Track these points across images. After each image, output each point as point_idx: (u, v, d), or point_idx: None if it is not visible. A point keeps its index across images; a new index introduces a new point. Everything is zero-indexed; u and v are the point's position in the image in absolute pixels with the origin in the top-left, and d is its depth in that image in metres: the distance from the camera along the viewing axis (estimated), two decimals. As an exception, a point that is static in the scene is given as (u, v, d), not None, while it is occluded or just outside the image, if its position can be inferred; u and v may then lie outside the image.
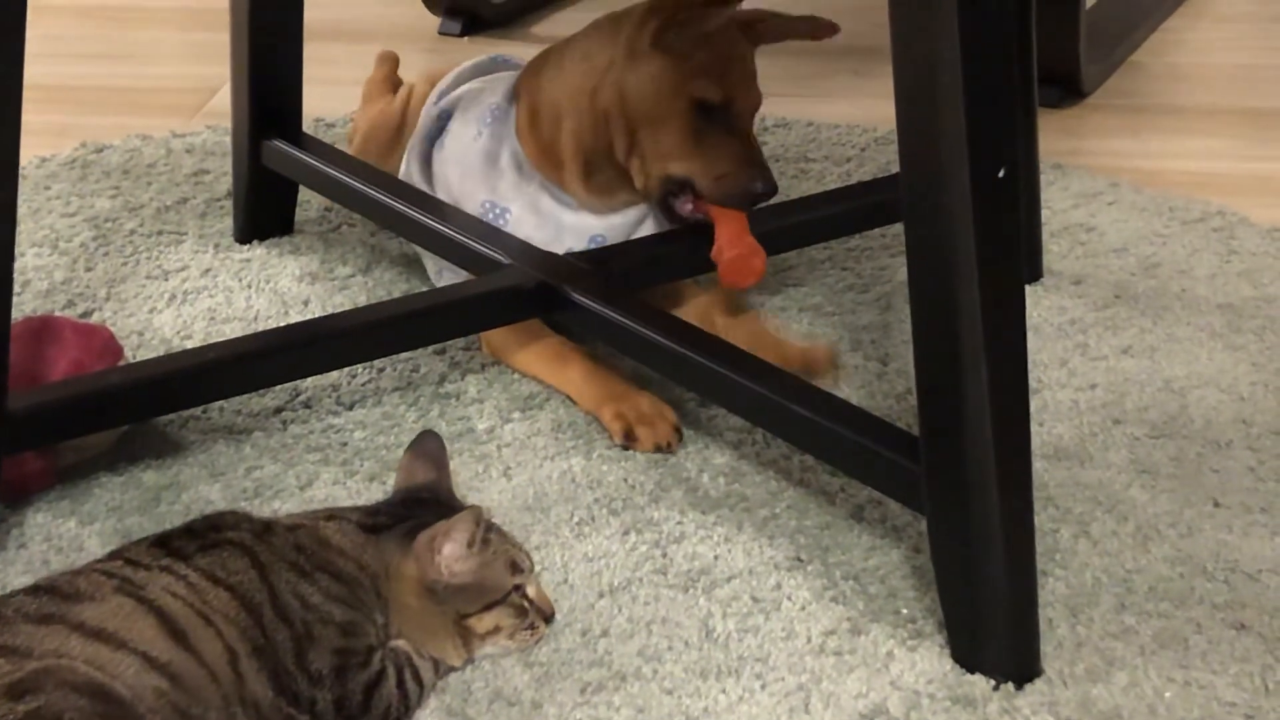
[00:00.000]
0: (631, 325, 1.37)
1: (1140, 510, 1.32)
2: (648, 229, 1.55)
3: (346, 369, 1.52)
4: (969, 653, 1.15)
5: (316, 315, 1.63)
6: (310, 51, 1.75)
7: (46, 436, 1.31)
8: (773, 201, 1.52)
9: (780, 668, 1.15)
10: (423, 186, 1.64)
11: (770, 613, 1.21)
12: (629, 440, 1.41)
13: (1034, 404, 1.43)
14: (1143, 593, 1.22)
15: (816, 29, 1.51)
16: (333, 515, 1.17)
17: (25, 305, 1.65)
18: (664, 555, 1.27)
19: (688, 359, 1.33)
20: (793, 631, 1.19)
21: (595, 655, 1.17)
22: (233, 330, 1.61)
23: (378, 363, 1.54)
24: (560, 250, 1.51)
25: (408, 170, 1.66)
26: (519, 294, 1.45)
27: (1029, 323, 1.52)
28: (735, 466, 1.39)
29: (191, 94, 2.26)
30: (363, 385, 1.52)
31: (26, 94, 1.17)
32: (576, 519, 1.32)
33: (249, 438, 1.44)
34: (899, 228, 1.17)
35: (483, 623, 1.14)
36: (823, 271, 1.72)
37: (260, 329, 1.61)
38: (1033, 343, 1.54)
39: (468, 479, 1.37)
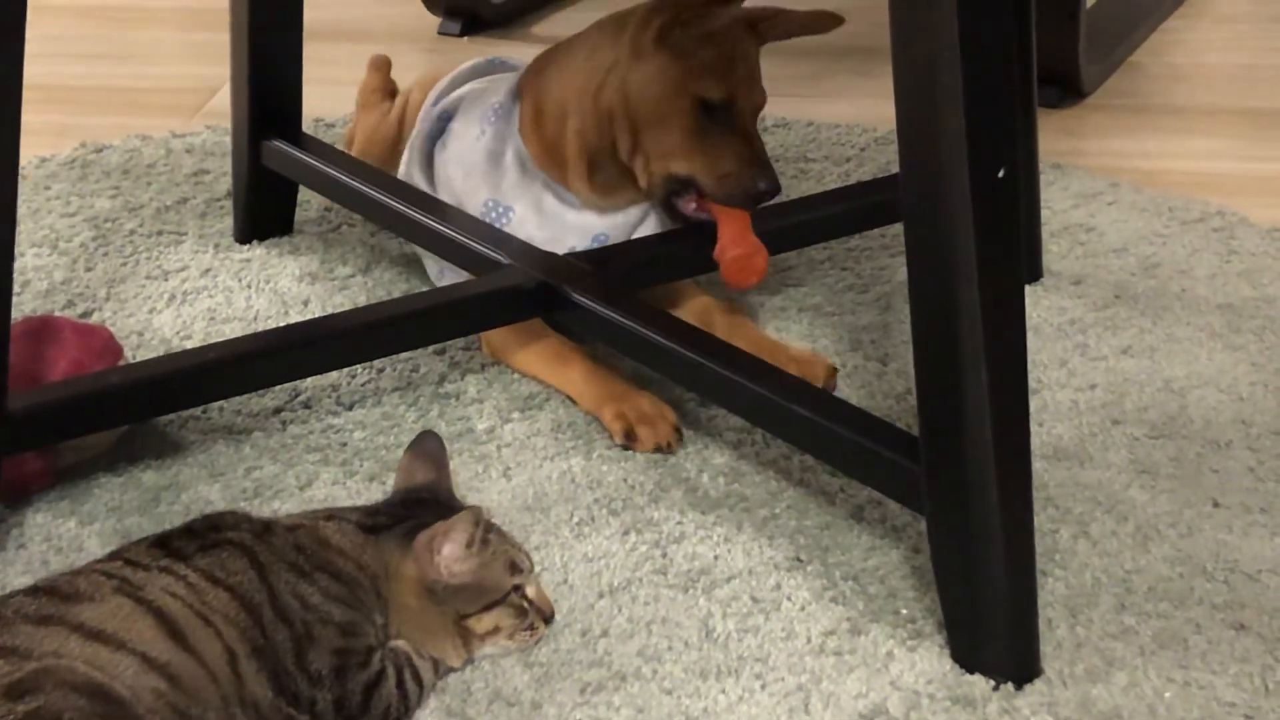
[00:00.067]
0: (631, 325, 1.37)
1: (1140, 510, 1.32)
2: (650, 226, 1.55)
3: (346, 369, 1.52)
4: (969, 653, 1.15)
5: (316, 315, 1.63)
6: (310, 51, 1.75)
7: (46, 436, 1.31)
8: (773, 201, 1.52)
9: (780, 668, 1.15)
10: (424, 187, 1.63)
11: (770, 613, 1.21)
12: (629, 440, 1.41)
13: (1034, 404, 1.43)
14: (1142, 593, 1.22)
15: (822, 22, 1.51)
16: (332, 515, 1.17)
17: (25, 305, 1.65)
18: (664, 555, 1.27)
19: (688, 359, 1.33)
20: (792, 632, 1.19)
21: (595, 655, 1.17)
22: (233, 330, 1.61)
23: (378, 363, 1.54)
24: (564, 249, 1.51)
25: (408, 171, 1.66)
26: (519, 294, 1.45)
27: (1029, 323, 1.52)
28: (735, 466, 1.39)
29: (191, 94, 2.26)
30: (362, 385, 1.52)
31: (26, 94, 1.17)
32: (576, 519, 1.32)
33: (249, 438, 1.44)
34: (899, 228, 1.17)
35: (482, 623, 1.14)
36: (823, 271, 1.72)
37: (260, 329, 1.61)
38: (1033, 343, 1.54)
39: (467, 479, 1.37)
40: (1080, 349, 1.56)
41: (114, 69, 2.43)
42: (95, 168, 1.98)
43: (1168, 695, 1.12)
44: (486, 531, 1.14)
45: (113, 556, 1.09)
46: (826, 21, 1.51)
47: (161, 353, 1.56)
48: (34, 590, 1.04)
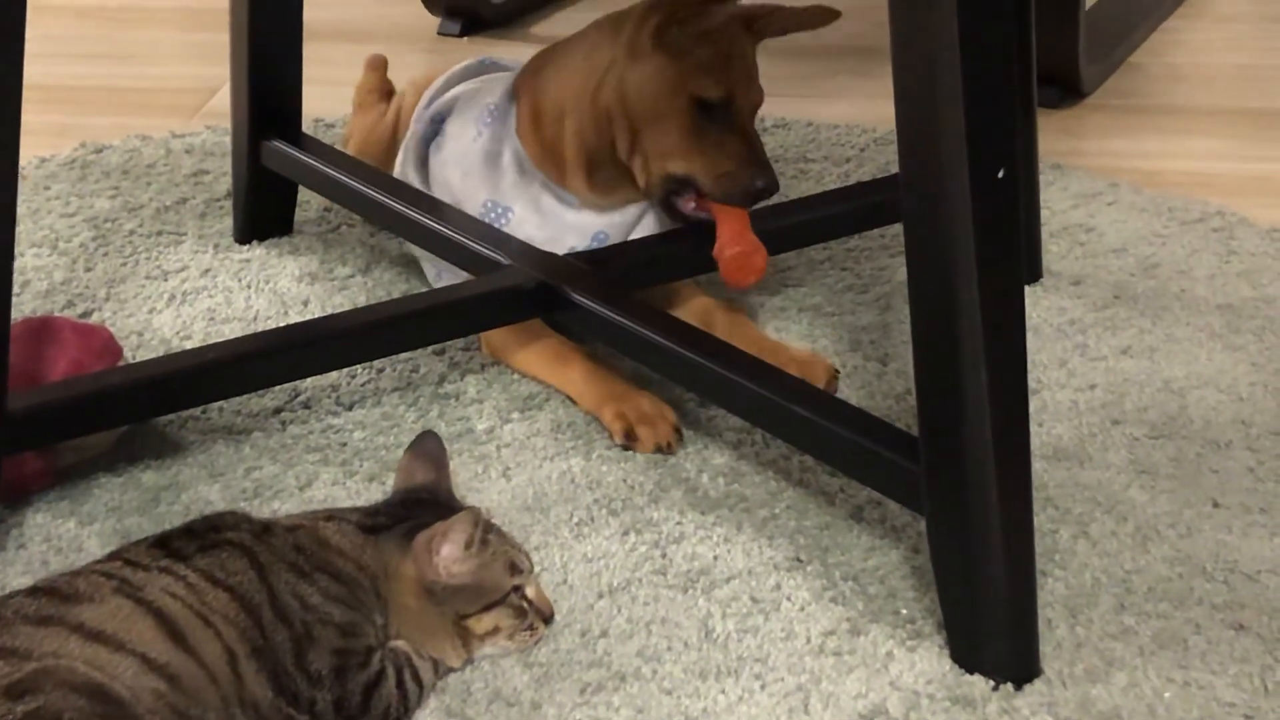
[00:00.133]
0: (631, 325, 1.37)
1: (1139, 511, 1.32)
2: (649, 225, 1.55)
3: (346, 369, 1.52)
4: (968, 653, 1.15)
5: (316, 315, 1.63)
6: (310, 51, 1.75)
7: (46, 436, 1.31)
8: (772, 201, 1.52)
9: (780, 668, 1.15)
10: (419, 188, 1.63)
11: (770, 613, 1.21)
12: (629, 440, 1.41)
13: (1034, 404, 1.43)
14: (1142, 593, 1.22)
15: (818, 17, 1.51)
16: (332, 516, 1.17)
17: (25, 305, 1.65)
18: (663, 555, 1.27)
19: (688, 359, 1.33)
20: (792, 632, 1.19)
21: (594, 656, 1.17)
22: (232, 330, 1.61)
23: (377, 363, 1.54)
24: (563, 249, 1.51)
25: (403, 172, 1.66)
26: (519, 294, 1.45)
27: (1029, 323, 1.52)
28: (735, 467, 1.39)
29: (191, 94, 2.26)
30: (362, 385, 1.52)
31: (26, 94, 1.17)
32: (576, 519, 1.32)
33: (248, 438, 1.44)
34: (899, 228, 1.17)
35: (482, 623, 1.14)
36: (822, 271, 1.72)
37: (260, 329, 1.61)
38: (1032, 343, 1.54)
39: (467, 479, 1.37)
40: (1080, 349, 1.56)
41: (114, 69, 2.43)
42: (95, 168, 1.98)
43: (1167, 695, 1.12)
44: (486, 532, 1.14)
45: (112, 557, 1.09)
46: (822, 16, 1.51)
47: (161, 353, 1.56)
48: (34, 591, 1.04)
